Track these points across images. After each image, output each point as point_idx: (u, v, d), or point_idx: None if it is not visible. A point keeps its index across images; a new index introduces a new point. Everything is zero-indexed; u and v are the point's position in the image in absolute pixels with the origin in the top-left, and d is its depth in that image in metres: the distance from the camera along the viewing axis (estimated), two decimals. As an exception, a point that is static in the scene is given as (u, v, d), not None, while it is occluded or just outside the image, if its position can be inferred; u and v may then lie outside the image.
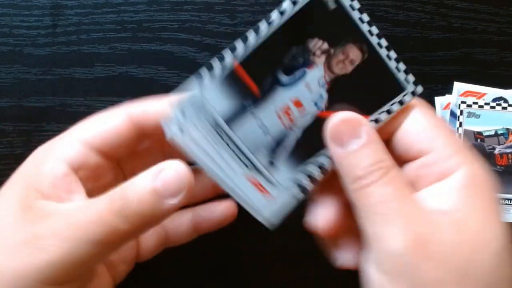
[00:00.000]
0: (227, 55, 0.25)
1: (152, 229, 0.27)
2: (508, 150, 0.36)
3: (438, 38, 0.37)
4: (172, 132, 0.25)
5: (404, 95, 0.26)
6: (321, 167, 0.27)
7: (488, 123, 0.36)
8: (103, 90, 0.36)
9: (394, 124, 0.26)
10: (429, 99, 0.37)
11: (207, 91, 0.25)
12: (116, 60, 0.36)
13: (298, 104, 0.26)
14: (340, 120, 0.25)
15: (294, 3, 0.25)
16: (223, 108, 0.26)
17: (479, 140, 0.36)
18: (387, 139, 0.26)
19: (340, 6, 0.25)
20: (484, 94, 0.36)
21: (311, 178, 0.27)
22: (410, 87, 0.26)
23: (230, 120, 0.26)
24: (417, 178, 0.25)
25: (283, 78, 0.26)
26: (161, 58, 0.36)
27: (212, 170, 0.26)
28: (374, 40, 0.26)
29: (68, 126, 0.36)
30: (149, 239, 0.31)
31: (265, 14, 0.36)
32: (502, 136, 0.36)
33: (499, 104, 0.36)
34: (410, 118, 0.26)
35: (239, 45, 0.25)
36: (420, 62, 0.37)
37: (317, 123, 0.26)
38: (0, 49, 0.36)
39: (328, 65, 0.26)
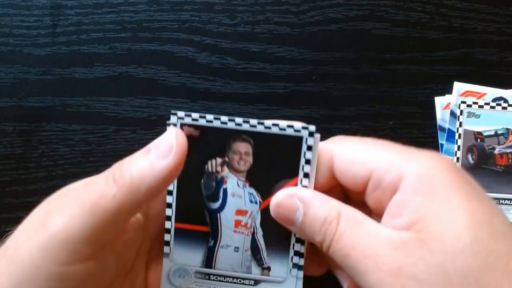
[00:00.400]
0: (167, 223, 0.29)
1: None
2: (508, 150, 0.36)
3: (438, 38, 0.37)
4: None
5: (306, 141, 0.28)
6: (299, 241, 0.29)
7: (488, 123, 0.36)
8: (103, 90, 0.36)
9: (328, 169, 0.27)
10: (429, 99, 0.37)
11: (176, 257, 0.29)
12: (116, 60, 0.36)
13: (241, 212, 0.29)
14: (275, 207, 0.27)
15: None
16: (195, 260, 0.29)
17: (479, 140, 0.36)
18: (336, 184, 0.27)
19: (202, 129, 0.28)
20: (484, 94, 0.36)
21: (299, 254, 0.29)
22: (304, 132, 0.28)
23: (208, 263, 0.29)
24: (378, 204, 0.25)
25: (214, 204, 0.29)
26: (161, 58, 0.36)
27: None
28: (246, 127, 0.28)
29: (68, 126, 0.36)
30: None
31: (265, 14, 0.36)
32: (502, 136, 0.36)
33: (499, 104, 0.36)
34: (336, 158, 0.26)
35: (167, 209, 0.29)
36: (420, 62, 0.37)
37: (266, 212, 0.28)
38: (0, 49, 0.36)
39: (234, 170, 0.29)
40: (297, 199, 0.26)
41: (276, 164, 0.28)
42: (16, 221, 0.27)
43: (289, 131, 0.28)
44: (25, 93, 0.36)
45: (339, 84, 0.36)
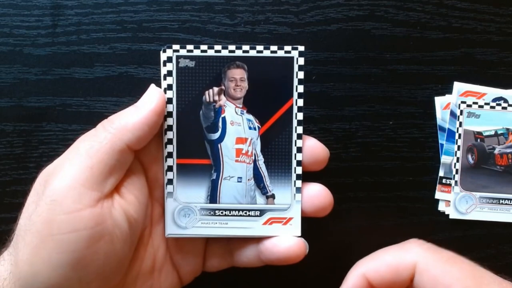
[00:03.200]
0: (168, 160, 0.29)
1: (218, 244, 0.32)
2: (508, 150, 0.36)
3: (438, 38, 0.37)
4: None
5: (297, 61, 0.29)
6: (300, 163, 0.30)
7: (488, 123, 0.36)
8: (103, 90, 0.36)
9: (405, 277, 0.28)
10: (429, 99, 0.37)
11: (180, 195, 0.29)
12: (116, 60, 0.36)
13: (241, 140, 0.29)
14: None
15: (170, 87, 0.29)
16: (200, 197, 0.29)
17: (479, 140, 0.36)
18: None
19: (197, 59, 0.29)
20: (484, 94, 0.36)
21: (301, 177, 0.30)
22: (294, 53, 0.29)
23: (213, 198, 0.29)
24: None
25: (214, 135, 0.29)
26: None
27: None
28: (239, 53, 0.29)
29: (68, 126, 0.36)
30: (215, 251, 0.32)
31: (265, 14, 0.36)
32: (502, 136, 0.36)
33: (499, 104, 0.36)
34: (419, 271, 0.27)
35: (168, 146, 0.29)
36: (420, 62, 0.37)
37: (266, 137, 0.29)
38: (0, 49, 0.36)
39: (231, 97, 0.29)
40: None
41: (270, 87, 0.29)
42: (16, 221, 0.27)
43: (280, 53, 0.29)
44: (25, 93, 0.36)
45: (339, 84, 0.36)
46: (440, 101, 0.37)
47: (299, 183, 0.29)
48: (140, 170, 0.29)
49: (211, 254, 0.32)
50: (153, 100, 0.28)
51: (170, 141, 0.29)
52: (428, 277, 0.26)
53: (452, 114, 0.36)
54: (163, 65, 0.29)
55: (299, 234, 0.30)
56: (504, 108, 0.36)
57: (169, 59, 0.28)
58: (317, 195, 0.30)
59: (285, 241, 0.29)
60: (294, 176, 0.29)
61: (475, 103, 0.36)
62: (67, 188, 0.25)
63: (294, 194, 0.30)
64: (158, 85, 0.30)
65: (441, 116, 0.37)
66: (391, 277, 0.28)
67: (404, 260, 0.27)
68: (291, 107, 0.29)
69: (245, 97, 0.29)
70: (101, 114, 0.36)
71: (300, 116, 0.29)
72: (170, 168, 0.29)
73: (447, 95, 0.37)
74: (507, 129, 0.36)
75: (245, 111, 0.29)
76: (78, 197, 0.25)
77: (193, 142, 0.29)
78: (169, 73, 0.29)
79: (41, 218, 0.24)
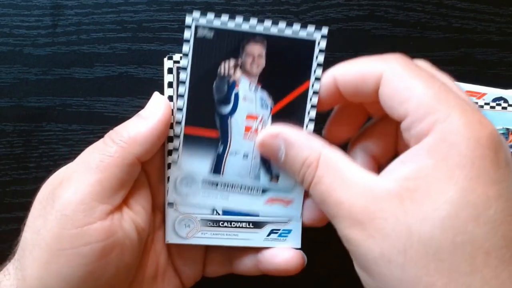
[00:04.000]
0: (176, 126, 0.29)
1: (218, 251, 0.32)
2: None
3: (438, 38, 0.37)
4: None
5: (319, 44, 0.28)
6: None
7: (488, 123, 0.36)
8: (103, 90, 0.36)
9: (368, 87, 0.25)
10: (429, 99, 0.37)
11: (184, 164, 0.29)
12: (116, 60, 0.36)
13: (251, 117, 0.29)
14: (259, 145, 0.27)
15: (186, 55, 0.28)
16: (204, 167, 0.29)
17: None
18: (373, 100, 0.26)
19: (216, 31, 0.28)
20: (484, 94, 0.36)
21: None
22: (317, 35, 0.28)
23: (217, 170, 0.29)
24: (406, 141, 0.24)
25: (225, 109, 0.29)
26: (161, 58, 0.36)
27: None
28: (259, 29, 0.28)
29: (68, 126, 0.36)
30: (215, 258, 0.32)
31: (265, 14, 0.36)
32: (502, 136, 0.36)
33: (499, 104, 0.36)
34: (382, 82, 0.24)
35: (175, 111, 0.28)
36: (420, 62, 0.37)
37: (277, 117, 0.28)
38: (0, 49, 0.36)
39: (246, 73, 0.28)
40: (280, 139, 0.26)
41: (288, 67, 0.28)
42: (16, 221, 0.27)
43: (302, 34, 0.28)
44: (25, 93, 0.36)
45: (339, 84, 0.36)
46: (440, 101, 0.37)
47: None
48: (144, 179, 0.29)
49: (210, 260, 0.32)
50: (159, 110, 0.27)
51: (180, 109, 0.28)
52: (388, 89, 0.24)
53: (452, 114, 0.36)
54: (167, 73, 0.29)
55: (299, 247, 0.30)
56: (504, 108, 0.36)
57: (188, 27, 0.27)
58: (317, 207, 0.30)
59: (283, 252, 0.29)
60: None
61: (475, 103, 0.36)
62: (78, 203, 0.25)
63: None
64: (160, 86, 0.30)
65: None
66: (356, 83, 0.25)
67: (373, 68, 0.25)
68: (306, 90, 0.28)
69: (262, 73, 0.28)
70: (101, 114, 0.36)
71: (315, 100, 0.28)
72: (176, 136, 0.28)
73: (447, 95, 0.37)
74: (507, 129, 0.36)
75: (259, 88, 0.28)
76: (89, 211, 0.25)
77: (203, 112, 0.28)
78: (170, 84, 0.28)
79: (51, 233, 0.24)
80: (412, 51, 0.37)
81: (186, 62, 0.28)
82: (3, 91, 0.36)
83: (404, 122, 0.23)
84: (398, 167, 0.23)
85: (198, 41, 0.28)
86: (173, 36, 0.36)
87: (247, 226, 0.29)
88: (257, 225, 0.30)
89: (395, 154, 0.28)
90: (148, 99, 0.29)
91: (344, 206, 0.23)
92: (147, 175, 0.29)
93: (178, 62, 0.28)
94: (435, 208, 0.21)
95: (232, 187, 0.29)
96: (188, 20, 0.27)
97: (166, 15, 0.36)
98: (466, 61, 0.37)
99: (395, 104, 0.23)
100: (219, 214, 0.29)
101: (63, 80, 0.36)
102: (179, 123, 0.28)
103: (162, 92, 0.29)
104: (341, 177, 0.24)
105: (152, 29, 0.36)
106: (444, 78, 0.25)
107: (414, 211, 0.21)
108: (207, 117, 0.28)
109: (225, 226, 0.29)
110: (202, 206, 0.29)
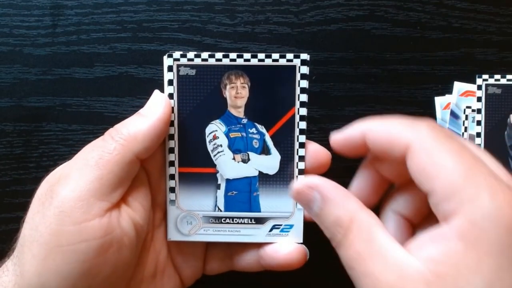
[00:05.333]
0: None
1: (219, 247, 0.32)
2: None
3: (438, 38, 0.37)
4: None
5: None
6: (300, 171, 0.30)
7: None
8: (103, 90, 0.36)
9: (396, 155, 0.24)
10: (429, 99, 0.37)
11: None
12: (116, 60, 0.36)
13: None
14: (295, 193, 0.26)
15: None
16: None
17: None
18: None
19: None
20: (484, 94, 0.36)
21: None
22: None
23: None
24: (435, 214, 0.23)
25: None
26: (161, 58, 0.36)
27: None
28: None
29: (68, 126, 0.36)
30: (215, 255, 0.32)
31: (265, 14, 0.36)
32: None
33: (500, 104, 0.36)
34: (410, 154, 0.23)
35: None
36: (420, 62, 0.37)
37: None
38: (0, 49, 0.36)
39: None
40: (317, 192, 0.25)
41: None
42: (16, 221, 0.27)
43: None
44: (25, 93, 0.36)
45: (339, 84, 0.36)
46: (440, 101, 0.37)
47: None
48: (144, 177, 0.29)
49: (211, 257, 0.32)
50: (159, 107, 0.27)
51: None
52: (416, 163, 0.23)
53: (453, 114, 0.36)
54: (167, 71, 0.29)
55: (301, 241, 0.30)
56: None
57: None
58: (318, 150, 0.30)
59: (285, 247, 0.29)
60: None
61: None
62: (77, 199, 0.25)
63: (296, 203, 0.30)
64: (160, 86, 0.30)
65: (441, 116, 0.36)
66: (385, 145, 0.24)
67: (401, 135, 0.24)
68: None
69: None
70: (101, 114, 0.36)
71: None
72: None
73: (447, 95, 0.36)
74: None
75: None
76: (86, 208, 0.25)
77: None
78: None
79: (49, 229, 0.24)
80: (412, 51, 0.37)
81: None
82: (3, 91, 0.36)
83: (431, 198, 0.22)
84: (427, 245, 0.22)
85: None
86: (173, 36, 0.36)
87: (249, 222, 0.30)
88: (259, 220, 0.30)
89: (428, 213, 0.26)
90: (148, 99, 0.29)
91: (371, 278, 0.22)
92: (147, 173, 0.29)
93: (178, 59, 0.29)
94: None
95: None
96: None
97: (166, 15, 0.36)
98: (466, 61, 0.37)
99: (423, 180, 0.22)
100: (221, 211, 0.29)
101: (63, 80, 0.36)
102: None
103: (162, 91, 0.29)
104: (373, 248, 0.23)
105: (152, 29, 0.36)
106: (476, 150, 0.24)
107: None
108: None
109: (227, 223, 0.30)
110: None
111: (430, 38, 0.37)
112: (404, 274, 0.21)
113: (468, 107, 0.36)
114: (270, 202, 0.30)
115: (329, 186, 0.25)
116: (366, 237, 0.23)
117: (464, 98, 0.36)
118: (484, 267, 0.20)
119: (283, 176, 0.29)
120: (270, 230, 0.30)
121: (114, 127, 0.27)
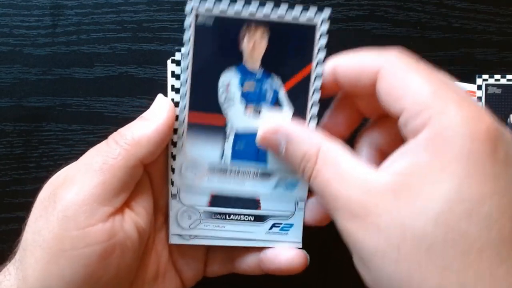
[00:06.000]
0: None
1: (220, 250, 0.31)
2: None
3: (438, 38, 0.37)
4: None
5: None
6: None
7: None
8: (103, 90, 0.36)
9: (366, 80, 0.25)
10: (429, 99, 0.37)
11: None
12: (116, 60, 0.36)
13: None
14: (260, 140, 0.27)
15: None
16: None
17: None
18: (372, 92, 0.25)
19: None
20: (484, 94, 0.36)
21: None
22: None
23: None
24: (404, 137, 0.24)
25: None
26: (161, 58, 0.36)
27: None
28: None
29: (68, 126, 0.36)
30: (216, 257, 0.32)
31: (265, 14, 0.36)
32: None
33: (499, 104, 0.36)
34: (379, 77, 0.24)
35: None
36: (420, 62, 0.37)
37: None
38: (0, 49, 0.36)
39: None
40: (280, 134, 0.26)
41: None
42: (16, 221, 0.27)
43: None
44: (25, 93, 0.36)
45: (339, 84, 0.36)
46: (440, 101, 0.37)
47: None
48: (147, 181, 0.29)
49: (212, 260, 0.32)
50: (163, 112, 0.27)
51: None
52: (385, 84, 0.24)
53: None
54: (187, 16, 0.28)
55: (300, 241, 0.30)
56: (504, 108, 0.36)
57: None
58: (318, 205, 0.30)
59: (286, 252, 0.29)
60: (297, 190, 0.29)
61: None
62: (80, 204, 0.25)
63: (297, 202, 0.30)
64: (160, 86, 0.30)
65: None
66: (355, 75, 0.25)
67: (372, 62, 0.24)
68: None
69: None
70: (101, 114, 0.36)
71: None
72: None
73: (447, 95, 0.36)
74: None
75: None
76: (90, 213, 0.25)
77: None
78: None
79: (52, 234, 0.24)
80: (412, 51, 0.37)
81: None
82: (3, 91, 0.36)
83: (400, 118, 0.23)
84: (394, 162, 0.23)
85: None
86: (173, 36, 0.36)
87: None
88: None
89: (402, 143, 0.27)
90: (148, 99, 0.29)
91: (341, 199, 0.23)
92: (150, 177, 0.29)
93: (197, 7, 0.28)
94: (428, 204, 0.21)
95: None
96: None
97: (166, 15, 0.36)
98: (466, 61, 0.37)
99: (391, 100, 0.23)
100: (227, 162, 0.29)
101: (63, 80, 0.36)
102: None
103: (164, 93, 0.29)
104: (339, 171, 0.24)
105: (152, 29, 0.36)
106: (443, 75, 0.25)
107: (407, 207, 0.21)
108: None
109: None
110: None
111: (430, 38, 0.37)
112: (371, 189, 0.22)
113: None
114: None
115: (291, 126, 0.27)
116: (332, 162, 0.24)
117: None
118: (450, 173, 0.21)
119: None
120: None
121: (118, 131, 0.27)
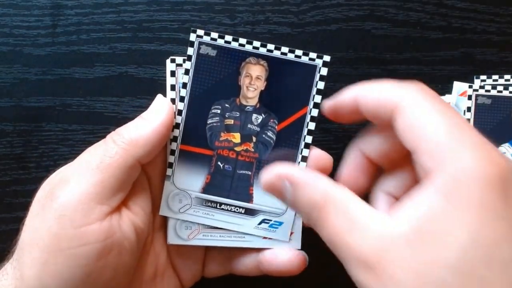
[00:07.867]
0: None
1: (218, 250, 0.31)
2: (509, 150, 0.36)
3: (438, 38, 0.37)
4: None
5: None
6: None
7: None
8: (103, 90, 0.36)
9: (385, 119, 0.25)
10: (429, 99, 0.37)
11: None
12: (116, 60, 0.36)
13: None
14: (265, 186, 0.25)
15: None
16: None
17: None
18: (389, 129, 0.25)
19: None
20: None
21: None
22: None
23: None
24: (417, 174, 0.23)
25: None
26: (161, 58, 0.36)
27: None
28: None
29: (68, 126, 0.36)
30: (215, 258, 0.32)
31: (265, 14, 0.36)
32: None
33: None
34: (397, 113, 0.23)
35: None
36: (420, 62, 0.37)
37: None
38: (0, 49, 0.36)
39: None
40: (286, 181, 0.25)
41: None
42: (16, 221, 0.27)
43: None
44: (25, 93, 0.36)
45: (339, 84, 0.36)
46: (440, 101, 0.37)
47: None
48: (145, 180, 0.29)
49: (210, 260, 0.32)
50: (162, 112, 0.27)
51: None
52: (402, 121, 0.23)
53: (452, 114, 0.36)
54: (189, 46, 0.28)
55: (299, 247, 0.30)
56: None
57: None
58: (320, 155, 0.30)
59: (285, 253, 0.29)
60: None
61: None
62: (77, 203, 0.25)
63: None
64: (160, 86, 0.30)
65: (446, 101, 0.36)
66: (372, 108, 0.25)
67: (390, 96, 0.24)
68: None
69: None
70: (101, 114, 0.36)
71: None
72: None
73: (447, 95, 0.36)
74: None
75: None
76: (87, 212, 0.25)
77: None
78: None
79: (49, 233, 0.24)
80: (412, 51, 0.37)
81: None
82: (3, 91, 0.36)
83: (415, 155, 0.22)
84: (407, 208, 0.22)
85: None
86: (173, 36, 0.36)
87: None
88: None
89: None
90: (148, 99, 0.29)
91: (353, 250, 0.22)
92: (148, 176, 0.29)
93: (181, 65, 0.29)
94: (445, 252, 0.20)
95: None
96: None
97: (166, 15, 0.36)
98: (466, 61, 0.37)
99: (408, 137, 0.23)
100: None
101: (63, 80, 0.36)
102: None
103: (163, 94, 0.29)
104: (350, 219, 0.23)
105: (152, 29, 0.36)
106: (457, 113, 0.24)
107: (423, 256, 0.20)
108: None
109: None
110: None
111: (430, 38, 0.37)
112: (384, 238, 0.21)
113: (468, 108, 0.36)
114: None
115: (296, 171, 0.25)
116: (342, 211, 0.23)
117: (463, 98, 0.36)
118: (465, 220, 0.20)
119: None
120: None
121: (116, 131, 0.27)
